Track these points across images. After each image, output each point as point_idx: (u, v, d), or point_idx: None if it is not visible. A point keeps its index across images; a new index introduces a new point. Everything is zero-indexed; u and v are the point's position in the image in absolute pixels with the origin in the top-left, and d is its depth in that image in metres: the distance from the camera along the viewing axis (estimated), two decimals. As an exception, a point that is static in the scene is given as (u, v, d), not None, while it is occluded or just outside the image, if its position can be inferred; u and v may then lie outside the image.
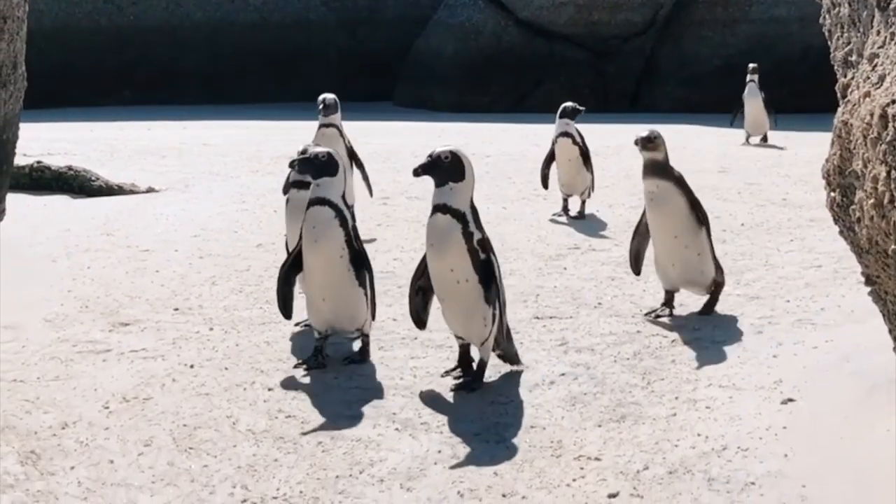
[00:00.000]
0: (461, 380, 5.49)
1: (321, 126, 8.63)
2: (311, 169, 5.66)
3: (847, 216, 4.73)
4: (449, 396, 5.36)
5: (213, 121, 17.61)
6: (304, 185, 6.01)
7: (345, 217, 5.64)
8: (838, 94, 4.91)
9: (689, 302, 6.66)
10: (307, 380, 5.58)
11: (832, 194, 4.94)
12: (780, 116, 17.73)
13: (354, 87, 22.77)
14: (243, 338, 6.20)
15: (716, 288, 6.58)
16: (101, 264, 7.68)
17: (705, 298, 6.61)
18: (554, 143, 9.69)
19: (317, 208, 5.60)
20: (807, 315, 6.48)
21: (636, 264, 6.76)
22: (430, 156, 5.26)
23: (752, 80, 15.22)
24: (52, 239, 8.37)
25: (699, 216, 6.46)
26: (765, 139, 15.15)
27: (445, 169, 5.24)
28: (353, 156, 8.68)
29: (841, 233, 4.87)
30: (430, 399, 5.33)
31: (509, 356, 5.67)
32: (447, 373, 5.58)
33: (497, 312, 5.37)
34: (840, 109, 4.73)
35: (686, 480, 4.40)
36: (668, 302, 6.58)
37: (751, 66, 15.38)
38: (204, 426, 5.02)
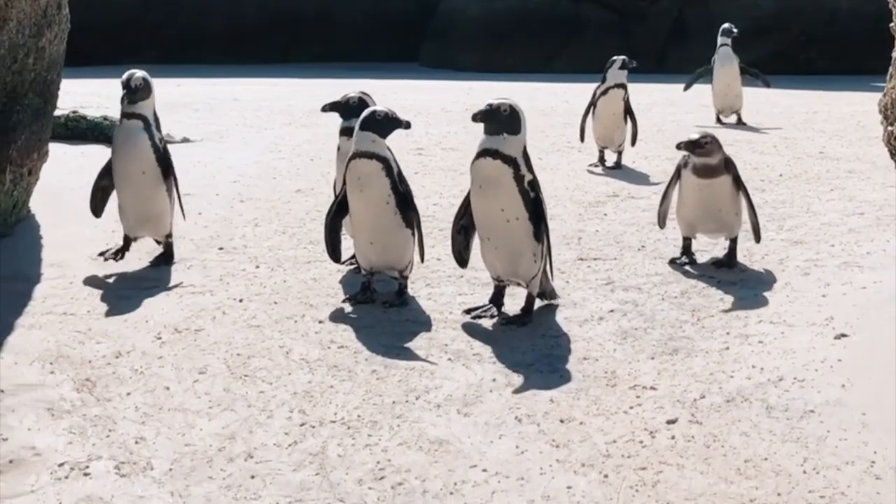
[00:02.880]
0: (497, 315, 5.49)
1: (123, 116, 6.36)
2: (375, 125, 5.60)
3: (905, 148, 4.72)
4: (499, 330, 5.36)
5: (241, 78, 17.58)
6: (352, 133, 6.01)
7: (389, 165, 5.62)
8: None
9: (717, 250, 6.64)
10: (356, 314, 5.59)
11: (889, 128, 4.93)
12: (812, 78, 17.59)
13: (380, 47, 22.75)
14: (290, 275, 6.21)
15: (734, 239, 6.45)
16: (142, 206, 7.67)
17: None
18: (599, 96, 9.63)
19: (360, 160, 5.59)
20: (852, 258, 6.45)
21: (662, 222, 6.72)
22: (489, 105, 5.28)
23: (724, 44, 12.41)
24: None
25: (740, 185, 6.36)
26: (739, 120, 12.45)
27: (502, 120, 5.26)
28: (164, 163, 6.36)
29: (898, 166, 4.86)
30: (481, 332, 5.33)
31: (548, 292, 5.68)
32: (471, 310, 5.56)
33: (545, 248, 5.38)
34: (901, 40, 4.71)
35: (744, 408, 4.39)
36: (687, 248, 6.52)
37: (726, 26, 12.57)
38: (257, 355, 5.04)
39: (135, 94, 6.25)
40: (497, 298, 5.58)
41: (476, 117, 5.28)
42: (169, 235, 6.47)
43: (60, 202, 7.58)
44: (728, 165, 6.30)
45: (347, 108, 6.26)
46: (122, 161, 6.37)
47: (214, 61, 21.15)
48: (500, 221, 5.32)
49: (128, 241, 6.54)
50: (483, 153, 5.29)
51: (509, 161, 5.25)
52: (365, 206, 5.65)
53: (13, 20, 6.44)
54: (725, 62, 12.43)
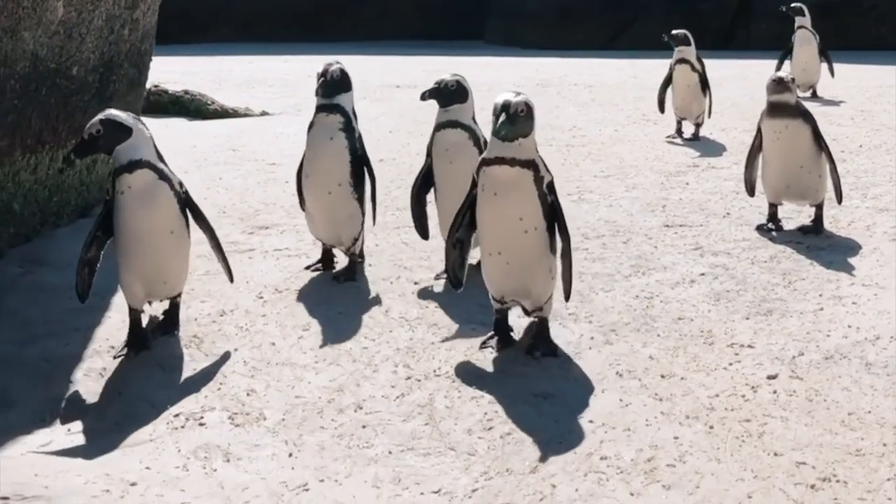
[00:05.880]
0: (502, 349, 4.75)
1: (123, 170, 4.69)
2: (440, 97, 5.60)
3: None
4: (593, 293, 5.44)
5: (312, 55, 17.72)
6: (329, 109, 5.76)
7: (477, 136, 5.65)
8: None
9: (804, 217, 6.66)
10: (450, 277, 5.69)
11: None
12: (882, 53, 17.42)
13: (445, 25, 22.85)
14: (381, 239, 6.34)
15: (820, 206, 6.49)
16: (231, 175, 7.85)
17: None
18: (672, 69, 9.74)
19: (447, 131, 5.60)
20: (940, 225, 6.46)
21: (751, 190, 6.74)
22: (504, 106, 4.42)
23: (802, 26, 12.12)
24: (180, 154, 8.53)
25: (821, 142, 6.39)
26: (814, 93, 12.40)
27: (521, 125, 4.45)
28: (192, 211, 5.01)
29: None
30: (574, 293, 5.38)
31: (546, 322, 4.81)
32: (484, 344, 4.81)
33: (556, 262, 4.71)
34: None
35: (843, 365, 4.44)
36: (773, 215, 6.56)
37: (795, 5, 12.22)
38: (358, 314, 5.16)
39: (108, 135, 4.63)
40: (502, 326, 4.85)
41: (500, 132, 4.41)
42: (179, 294, 5.12)
43: (151, 171, 7.74)
44: (805, 115, 6.34)
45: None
46: (140, 224, 4.75)
47: (281, 38, 21.36)
48: (517, 232, 4.58)
49: (137, 316, 4.91)
50: (499, 161, 4.51)
51: (528, 164, 4.52)
52: (454, 177, 5.55)
53: (110, -9, 6.60)
54: (804, 44, 12.18)
